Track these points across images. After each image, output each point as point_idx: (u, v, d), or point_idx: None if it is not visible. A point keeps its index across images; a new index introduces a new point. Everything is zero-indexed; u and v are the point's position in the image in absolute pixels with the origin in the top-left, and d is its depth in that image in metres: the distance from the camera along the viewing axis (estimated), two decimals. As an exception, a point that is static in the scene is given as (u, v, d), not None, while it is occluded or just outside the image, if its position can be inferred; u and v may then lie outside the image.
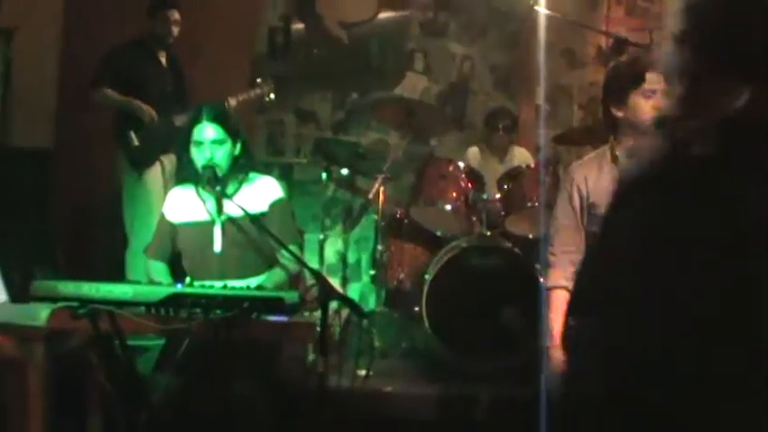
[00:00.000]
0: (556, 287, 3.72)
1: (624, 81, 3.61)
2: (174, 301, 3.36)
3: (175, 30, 6.41)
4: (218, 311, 3.33)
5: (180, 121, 5.77)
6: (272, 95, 6.44)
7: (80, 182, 7.02)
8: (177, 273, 4.48)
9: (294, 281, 4.47)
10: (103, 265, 6.46)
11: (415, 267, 6.16)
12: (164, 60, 6.48)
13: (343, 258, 6.50)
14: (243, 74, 7.57)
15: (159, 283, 4.04)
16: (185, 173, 4.40)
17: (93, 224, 7.04)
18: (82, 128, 6.78)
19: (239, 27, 7.62)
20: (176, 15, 6.40)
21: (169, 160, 6.26)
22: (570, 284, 3.70)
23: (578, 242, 3.72)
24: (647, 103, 3.52)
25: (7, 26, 6.66)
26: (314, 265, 6.08)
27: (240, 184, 4.37)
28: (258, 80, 6.53)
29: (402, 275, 6.21)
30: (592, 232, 3.67)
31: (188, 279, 4.12)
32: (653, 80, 3.53)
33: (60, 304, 3.30)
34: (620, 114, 3.63)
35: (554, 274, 3.75)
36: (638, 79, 3.55)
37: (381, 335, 5.90)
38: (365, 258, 7.36)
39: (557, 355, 3.59)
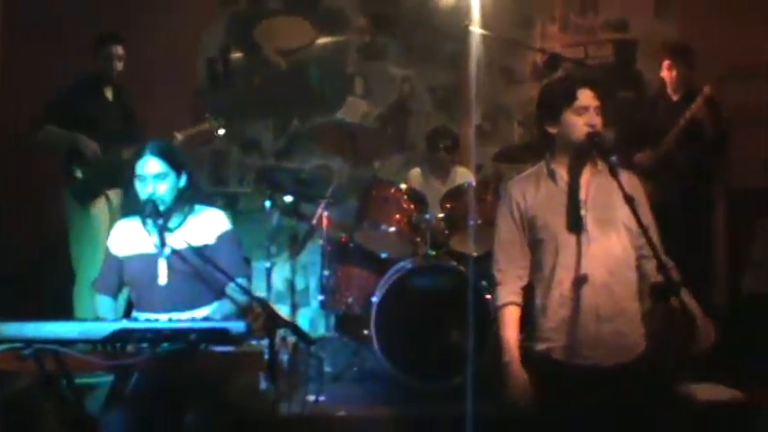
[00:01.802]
0: (506, 304, 3.73)
1: (557, 98, 3.66)
2: (120, 336, 3.35)
3: (120, 65, 6.42)
4: (165, 345, 3.33)
5: (127, 154, 5.77)
6: (222, 130, 6.46)
7: (25, 219, 6.96)
8: (125, 307, 4.48)
9: (244, 311, 4.46)
10: (52, 303, 6.41)
11: (363, 291, 6.17)
12: (110, 95, 6.48)
13: (291, 285, 6.50)
14: (185, 105, 7.58)
15: (104, 320, 4.01)
16: (132, 206, 4.40)
17: (39, 262, 6.97)
18: (27, 164, 6.72)
19: (181, 58, 7.62)
20: (120, 50, 6.41)
21: (115, 194, 6.25)
22: (520, 299, 3.75)
23: (524, 257, 3.75)
24: (580, 120, 3.58)
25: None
26: (262, 292, 6.08)
27: (186, 216, 4.36)
28: (207, 115, 6.54)
29: (350, 299, 6.23)
30: (535, 241, 3.71)
31: (134, 313, 4.12)
32: (585, 97, 3.59)
33: (4, 346, 3.27)
34: (554, 131, 3.68)
35: (503, 291, 3.76)
36: (570, 96, 3.61)
37: (332, 360, 5.93)
38: (313, 284, 7.38)
39: (514, 369, 3.62)
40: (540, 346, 3.67)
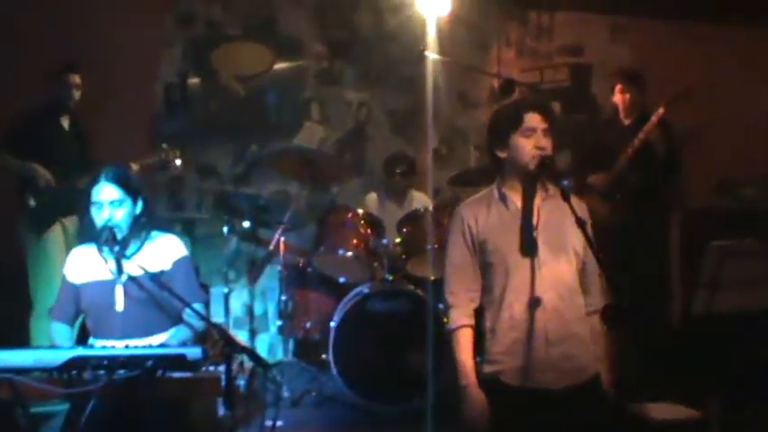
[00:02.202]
0: (460, 327, 3.73)
1: (504, 123, 3.69)
2: (76, 363, 3.35)
3: (77, 93, 6.40)
4: (122, 372, 3.33)
5: (83, 183, 5.75)
6: (179, 161, 6.45)
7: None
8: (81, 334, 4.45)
9: (202, 337, 4.46)
10: (8, 332, 6.36)
11: (321, 315, 6.19)
12: (66, 124, 6.45)
13: (249, 310, 6.50)
14: (143, 131, 7.57)
15: (60, 347, 3.99)
16: (88, 233, 4.37)
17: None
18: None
19: (138, 85, 7.60)
20: (77, 79, 6.39)
21: (71, 222, 6.22)
22: (473, 321, 3.76)
23: (476, 279, 3.76)
24: (528, 143, 3.60)
25: None
26: (220, 318, 6.10)
27: (142, 242, 4.35)
28: (163, 145, 6.53)
29: (308, 324, 6.25)
30: (485, 264, 3.74)
31: (91, 340, 4.10)
32: (531, 119, 3.63)
33: (-42, 376, 3.25)
34: (503, 155, 3.70)
35: (455, 314, 3.76)
36: (517, 120, 3.63)
37: (291, 384, 5.93)
38: (272, 309, 7.38)
39: (473, 391, 3.63)
40: (489, 369, 3.68)
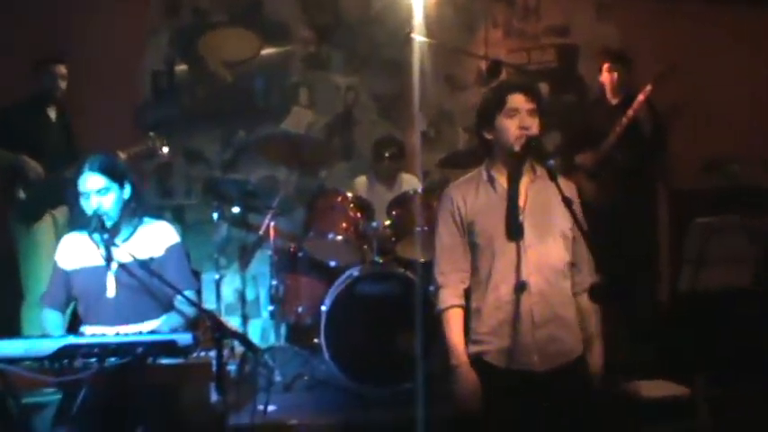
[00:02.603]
0: (450, 307, 3.75)
1: (489, 104, 3.71)
2: (66, 352, 3.37)
3: (63, 84, 6.40)
4: (113, 359, 3.35)
5: (70, 173, 5.75)
6: (166, 148, 6.45)
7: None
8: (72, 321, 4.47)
9: (194, 323, 4.47)
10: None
11: (313, 299, 6.20)
12: (53, 116, 6.45)
13: (241, 296, 6.52)
14: (130, 119, 7.56)
15: (50, 336, 4.00)
16: (79, 222, 4.38)
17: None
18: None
19: (124, 72, 7.58)
20: (63, 70, 6.39)
21: (61, 213, 6.23)
22: (462, 302, 3.77)
23: (465, 259, 3.77)
24: (512, 123, 3.62)
25: None
26: (212, 305, 6.11)
27: (135, 228, 4.37)
28: (150, 134, 6.52)
29: (300, 309, 6.26)
30: (473, 245, 3.75)
31: (82, 326, 4.12)
32: (515, 100, 3.64)
33: (-52, 366, 3.27)
34: (490, 137, 3.72)
35: (445, 294, 3.77)
36: (501, 101, 3.65)
37: (283, 369, 5.94)
38: (263, 294, 7.40)
39: (464, 371, 3.65)
40: (474, 349, 3.69)
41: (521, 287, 3.60)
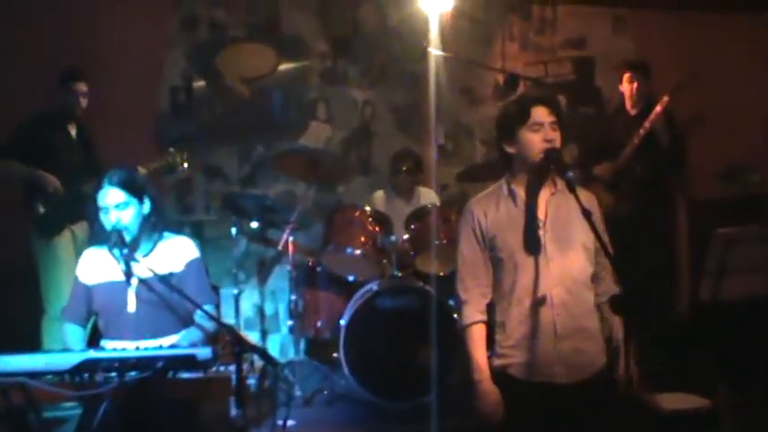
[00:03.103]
0: (474, 323, 3.74)
1: (511, 118, 3.69)
2: (87, 366, 3.37)
3: (84, 101, 6.42)
4: (133, 373, 3.35)
5: (89, 188, 5.78)
6: (186, 164, 6.47)
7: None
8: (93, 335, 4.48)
9: (213, 338, 4.47)
10: (20, 336, 6.40)
11: (332, 314, 6.21)
12: (73, 132, 6.46)
13: (260, 311, 6.52)
14: (148, 135, 7.58)
15: (71, 351, 4.01)
16: (100, 236, 4.38)
17: (6, 294, 6.94)
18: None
19: (142, 88, 7.61)
20: (84, 87, 6.40)
21: (80, 228, 6.25)
22: (485, 317, 3.76)
23: (487, 275, 3.76)
24: (536, 137, 3.61)
25: None
26: (231, 320, 6.11)
27: (155, 243, 4.38)
28: (170, 149, 6.55)
29: (319, 323, 6.26)
30: (495, 259, 3.74)
31: (102, 341, 4.13)
32: (538, 113, 3.64)
33: (-31, 381, 3.27)
34: (512, 151, 3.71)
35: (469, 310, 3.76)
36: (524, 115, 3.64)
37: (302, 384, 5.94)
38: (282, 309, 7.40)
39: (486, 387, 3.64)
40: (498, 363, 3.70)
41: (540, 301, 3.60)
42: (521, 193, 3.73)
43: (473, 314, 3.76)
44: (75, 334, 4.40)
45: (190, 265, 4.41)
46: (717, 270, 4.56)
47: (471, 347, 3.73)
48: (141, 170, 6.12)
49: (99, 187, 4.25)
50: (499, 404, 3.63)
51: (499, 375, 3.67)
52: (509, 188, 3.76)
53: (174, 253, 4.40)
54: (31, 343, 6.00)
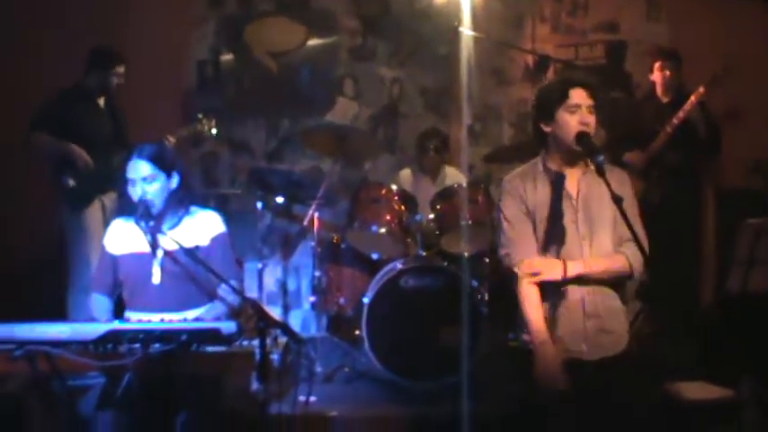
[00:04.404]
0: (525, 275, 3.74)
1: (550, 98, 3.76)
2: (112, 337, 3.38)
3: (117, 80, 6.41)
4: (157, 345, 3.36)
5: (118, 160, 5.81)
6: (215, 130, 6.48)
7: (19, 221, 6.98)
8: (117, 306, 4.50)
9: (237, 312, 4.48)
10: (46, 306, 6.43)
11: (355, 291, 6.20)
12: (102, 103, 6.46)
13: (283, 286, 6.52)
14: (176, 108, 7.59)
15: (96, 321, 4.02)
16: (127, 208, 4.42)
17: (33, 265, 6.98)
18: (19, 167, 6.71)
19: (171, 61, 7.61)
20: (122, 69, 6.40)
21: (109, 199, 6.27)
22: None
23: (535, 246, 3.79)
24: (573, 118, 3.67)
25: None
26: (253, 293, 6.11)
27: (181, 217, 4.41)
28: (199, 115, 6.56)
29: (342, 300, 6.26)
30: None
31: (126, 311, 4.15)
32: (576, 96, 3.67)
33: (-5, 347, 3.28)
34: (548, 130, 3.77)
35: (518, 256, 3.79)
36: (563, 96, 3.70)
37: (324, 360, 5.94)
38: (305, 285, 7.40)
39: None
40: (528, 337, 3.72)
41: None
42: (555, 170, 3.78)
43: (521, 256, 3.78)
44: (101, 304, 4.44)
45: (216, 239, 4.44)
46: (746, 260, 4.53)
47: (527, 307, 3.74)
48: (171, 139, 6.13)
49: (129, 160, 4.29)
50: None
51: (530, 352, 3.68)
52: (545, 166, 3.79)
53: (201, 227, 4.43)
54: (57, 313, 6.03)
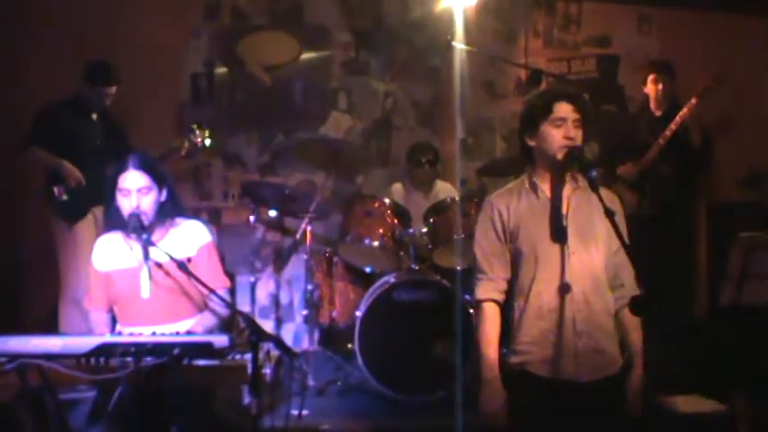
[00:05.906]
0: (487, 300, 3.71)
1: (535, 112, 3.68)
2: (103, 350, 3.36)
3: (108, 101, 6.41)
4: (149, 359, 3.34)
5: (110, 171, 5.79)
6: (209, 141, 6.47)
7: (7, 235, 6.96)
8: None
9: (229, 324, 4.48)
10: (36, 318, 6.42)
11: (347, 305, 6.21)
12: (95, 116, 6.45)
13: (275, 300, 6.52)
14: (169, 120, 7.59)
15: (87, 334, 4.01)
16: (113, 221, 4.38)
17: (24, 277, 6.97)
18: (11, 178, 6.70)
19: (164, 74, 7.60)
20: (113, 90, 6.39)
21: (101, 211, 6.25)
22: (501, 298, 3.72)
23: (504, 268, 3.73)
24: (558, 132, 3.59)
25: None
26: (246, 307, 6.09)
27: (167, 229, 4.39)
28: (193, 125, 6.55)
29: (335, 313, 6.26)
30: (516, 252, 3.70)
31: (118, 327, 4.13)
32: (561, 109, 3.61)
33: (-14, 360, 3.27)
34: (533, 144, 3.69)
35: (483, 286, 3.73)
36: (547, 109, 3.62)
37: (316, 374, 5.93)
38: (298, 298, 7.39)
39: (495, 387, 3.61)
40: (516, 359, 3.66)
41: (565, 289, 3.56)
42: (542, 186, 3.70)
43: (488, 292, 3.73)
44: (102, 320, 4.43)
45: (202, 249, 4.41)
46: (738, 275, 4.53)
47: (482, 340, 3.67)
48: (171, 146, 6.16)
49: (122, 169, 4.25)
50: (504, 406, 3.59)
51: (519, 373, 3.63)
52: (531, 181, 3.74)
53: (188, 237, 4.41)
54: (49, 327, 6.02)
